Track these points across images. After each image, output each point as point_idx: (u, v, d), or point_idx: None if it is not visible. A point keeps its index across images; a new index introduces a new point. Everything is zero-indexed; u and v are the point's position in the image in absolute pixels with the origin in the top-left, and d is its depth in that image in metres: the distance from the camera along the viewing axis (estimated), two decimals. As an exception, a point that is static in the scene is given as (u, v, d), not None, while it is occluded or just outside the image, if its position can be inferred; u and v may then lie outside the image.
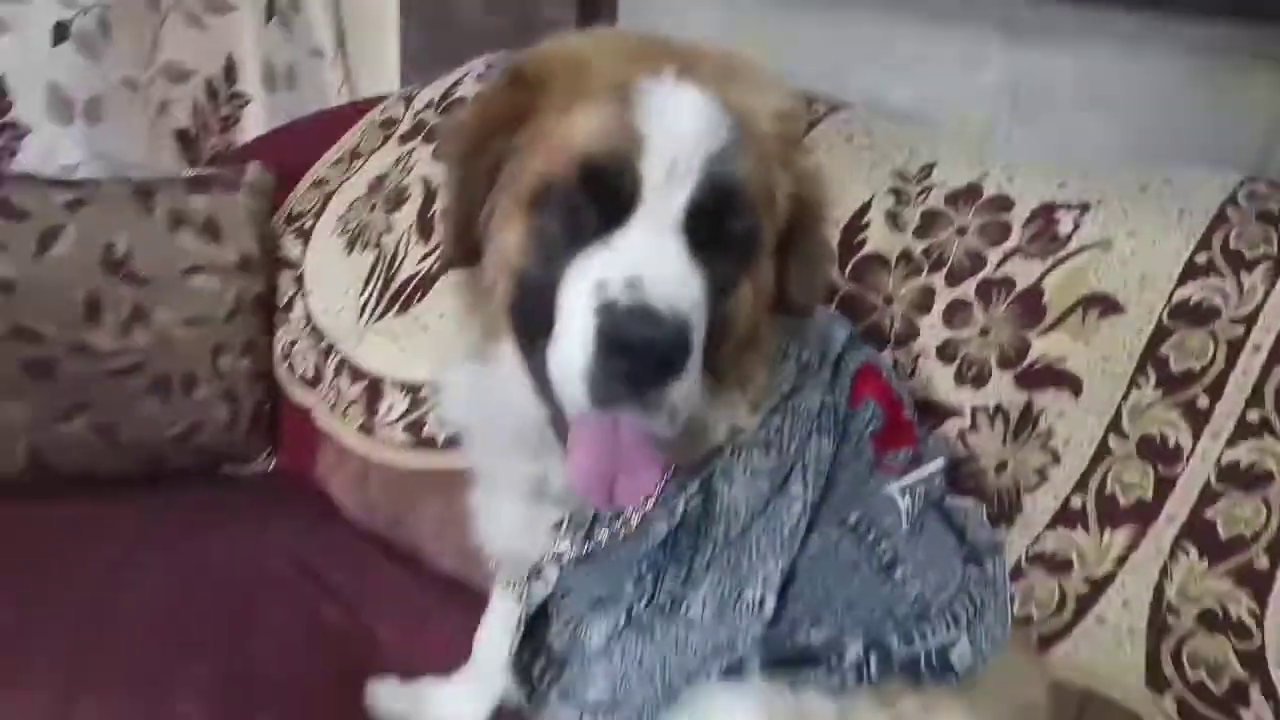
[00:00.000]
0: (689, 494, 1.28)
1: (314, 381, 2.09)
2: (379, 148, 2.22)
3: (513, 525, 1.41)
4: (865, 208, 1.73)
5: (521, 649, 1.42)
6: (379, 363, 1.98)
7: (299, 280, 2.15)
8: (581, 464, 1.16)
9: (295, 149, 2.35)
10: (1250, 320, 1.43)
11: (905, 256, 1.69)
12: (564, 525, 1.30)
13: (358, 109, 2.40)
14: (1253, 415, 1.38)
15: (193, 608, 1.72)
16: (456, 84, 2.20)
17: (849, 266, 1.71)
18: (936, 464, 1.43)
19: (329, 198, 2.20)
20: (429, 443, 1.89)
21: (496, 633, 1.64)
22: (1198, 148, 1.79)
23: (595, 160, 1.12)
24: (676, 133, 1.10)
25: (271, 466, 2.21)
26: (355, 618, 1.83)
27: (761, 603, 1.28)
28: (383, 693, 1.67)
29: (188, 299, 2.00)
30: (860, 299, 1.69)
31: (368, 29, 2.91)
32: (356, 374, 2.00)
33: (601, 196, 1.12)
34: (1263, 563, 1.31)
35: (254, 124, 2.89)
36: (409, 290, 1.99)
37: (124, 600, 1.69)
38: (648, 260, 1.08)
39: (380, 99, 2.42)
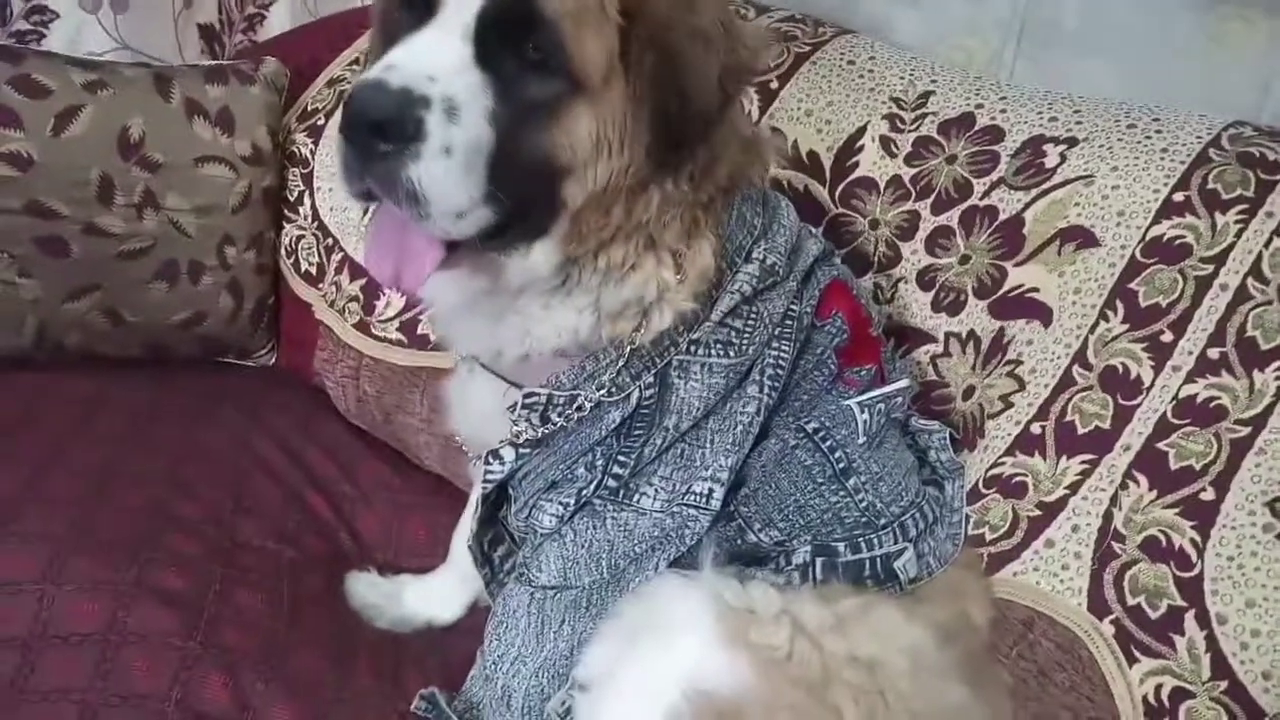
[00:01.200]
0: (643, 383, 1.32)
1: (316, 278, 2.12)
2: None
3: (481, 411, 1.47)
4: (860, 132, 1.74)
5: (481, 532, 1.47)
6: (379, 260, 2.00)
7: (308, 177, 2.16)
8: (370, 252, 1.24)
9: (314, 47, 2.35)
10: (1220, 260, 1.44)
11: (895, 182, 1.69)
12: (519, 406, 1.34)
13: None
14: (1213, 352, 1.39)
15: (186, 486, 1.77)
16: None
17: (839, 189, 1.72)
18: (900, 384, 1.47)
19: (342, 97, 2.20)
20: (421, 341, 1.92)
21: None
22: (1195, 92, 1.77)
23: None
24: None
25: (272, 361, 2.25)
26: (340, 509, 1.89)
27: (710, 495, 1.33)
28: (361, 583, 1.73)
29: (198, 187, 2.02)
30: (848, 222, 1.71)
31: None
32: (357, 271, 2.03)
33: (415, 5, 1.19)
34: (1209, 495, 1.33)
35: (279, 22, 2.89)
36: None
37: (121, 473, 1.75)
38: (414, 51, 1.14)
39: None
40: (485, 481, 1.39)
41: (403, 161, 1.11)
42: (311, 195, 2.15)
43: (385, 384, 1.97)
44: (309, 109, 2.23)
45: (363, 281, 2.01)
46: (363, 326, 2.00)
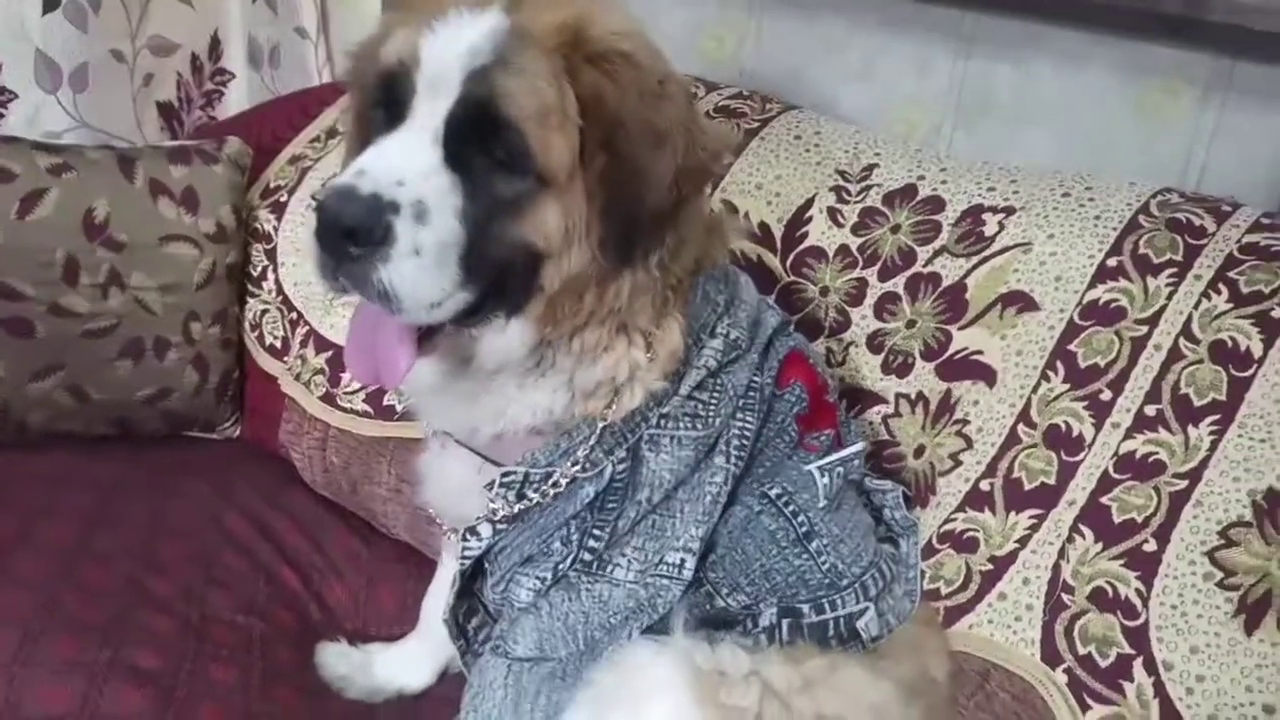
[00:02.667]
0: (616, 459, 1.36)
1: (281, 351, 2.14)
2: (354, 128, 2.27)
3: (458, 486, 1.49)
4: (808, 203, 1.80)
5: (457, 605, 1.49)
6: (344, 335, 2.02)
7: (271, 253, 2.19)
8: (349, 352, 1.31)
9: (275, 125, 2.39)
10: (1153, 321, 1.51)
11: (843, 251, 1.76)
12: (496, 484, 1.37)
13: (337, 89, 2.44)
14: (1150, 409, 1.46)
15: (156, 562, 1.77)
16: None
17: (790, 259, 1.78)
18: (856, 447, 1.51)
19: (304, 174, 2.24)
20: (387, 412, 1.95)
21: (444, 599, 1.71)
22: (1126, 159, 1.87)
23: (383, 72, 1.24)
24: (441, 51, 1.19)
25: (237, 433, 2.25)
26: (310, 580, 1.90)
27: (682, 565, 1.36)
28: (330, 654, 1.74)
29: (164, 266, 2.04)
30: (799, 290, 1.76)
31: (350, 10, 2.94)
32: (322, 344, 2.06)
33: (387, 103, 1.24)
34: (1151, 546, 1.39)
35: (237, 100, 2.92)
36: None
37: (90, 551, 1.75)
38: (384, 155, 1.19)
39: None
40: (463, 559, 1.41)
41: (373, 264, 1.16)
42: (275, 270, 2.18)
43: (352, 454, 1.99)
44: (271, 186, 2.26)
45: (329, 354, 2.03)
46: (329, 398, 2.02)
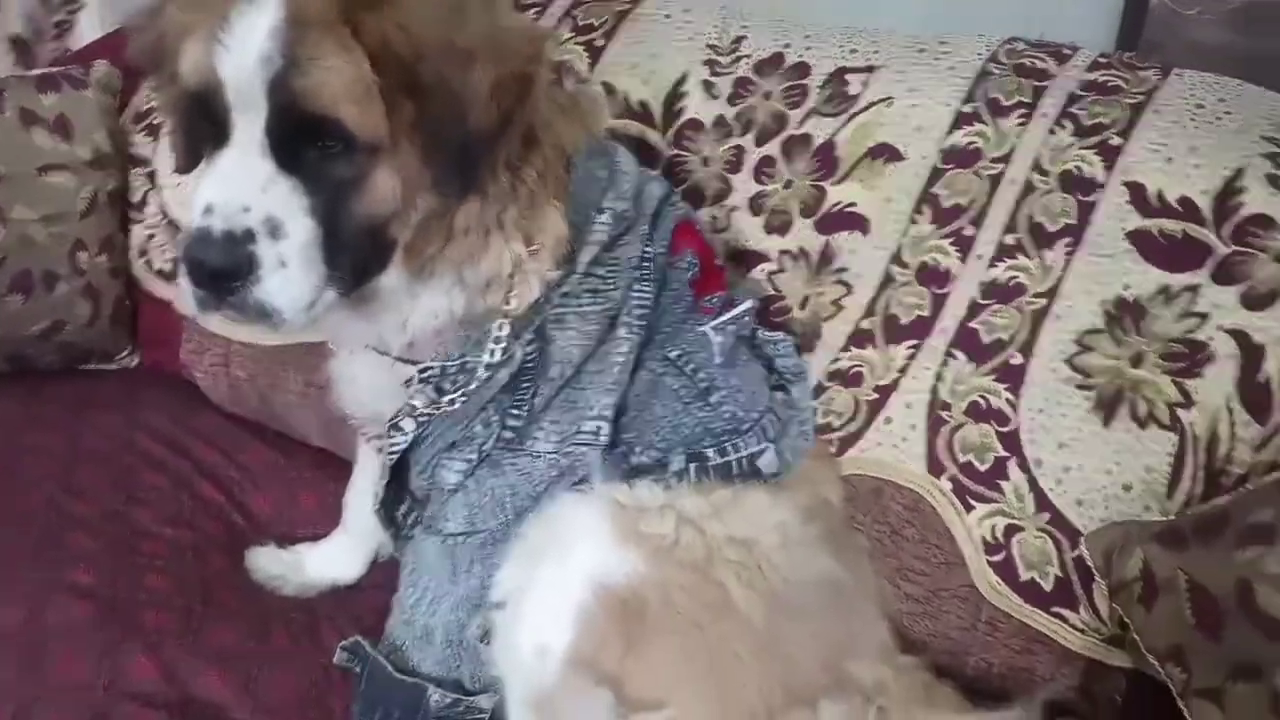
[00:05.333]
0: (523, 342, 1.48)
1: (172, 275, 2.19)
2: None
3: (370, 387, 1.61)
4: (682, 79, 1.92)
5: (386, 495, 1.61)
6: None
7: (151, 176, 2.23)
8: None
9: (135, 49, 2.41)
10: (1006, 160, 1.68)
11: (719, 122, 1.88)
12: (415, 380, 1.49)
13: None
14: (1009, 239, 1.64)
15: (77, 488, 1.86)
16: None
17: (670, 132, 1.90)
18: (745, 305, 1.66)
19: (175, 95, 2.27)
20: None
21: (364, 493, 1.82)
22: (973, 15, 2.02)
23: (192, 95, 1.32)
24: (241, 67, 1.26)
25: (135, 363, 2.32)
26: (230, 492, 2.00)
27: (598, 431, 1.51)
28: (261, 558, 1.85)
29: (44, 196, 2.08)
30: (682, 162, 1.89)
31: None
32: (216, 261, 2.12)
33: (208, 120, 1.31)
34: (1017, 360, 1.58)
35: (89, 27, 2.92)
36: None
37: (7, 482, 1.83)
38: (223, 185, 1.28)
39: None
40: (390, 454, 1.52)
41: (247, 291, 1.27)
42: (158, 193, 2.22)
43: (257, 366, 2.08)
44: (143, 109, 2.29)
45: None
46: (229, 314, 2.09)
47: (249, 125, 1.28)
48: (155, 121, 2.26)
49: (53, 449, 1.93)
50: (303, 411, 2.06)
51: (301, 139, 1.28)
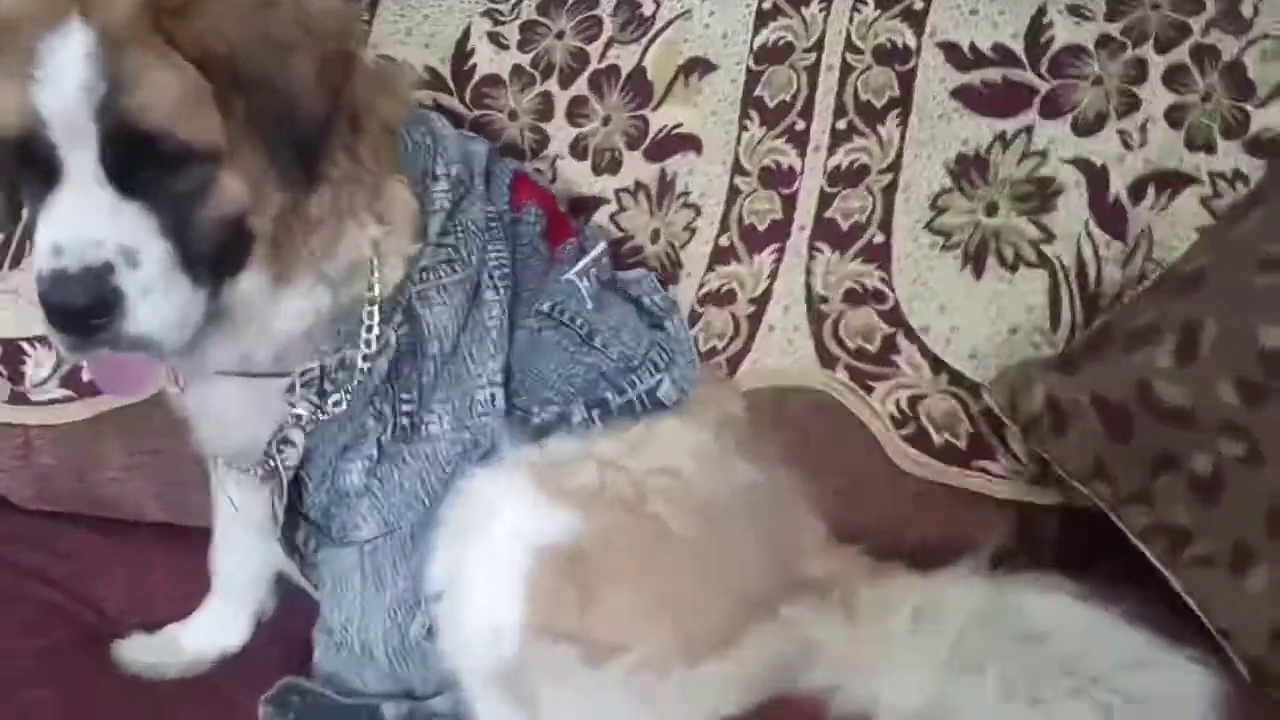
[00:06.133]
0: (395, 324, 1.68)
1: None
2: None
3: (235, 416, 1.75)
4: (465, 35, 2.14)
5: (288, 522, 1.76)
6: (8, 326, 2.20)
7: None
8: (95, 375, 1.66)
9: None
10: (819, 47, 1.99)
11: (517, 72, 2.12)
12: (296, 387, 1.66)
13: None
14: (841, 124, 1.95)
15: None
16: None
17: (467, 93, 2.12)
18: (600, 248, 1.90)
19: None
20: (93, 387, 2.14)
21: (231, 550, 1.99)
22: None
23: (11, 143, 1.45)
24: (63, 100, 1.40)
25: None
26: (71, 590, 2.08)
27: (492, 399, 1.72)
28: (130, 649, 1.94)
29: None
30: (487, 121, 2.11)
31: None
32: (-11, 341, 2.22)
33: (33, 164, 1.46)
34: (880, 238, 1.90)
35: None
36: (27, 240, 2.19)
37: None
38: (67, 223, 1.42)
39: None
40: (286, 469, 1.68)
41: (116, 325, 1.41)
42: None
43: (67, 447, 2.18)
44: None
45: (-1, 350, 2.21)
46: (18, 399, 2.19)
47: (81, 157, 1.41)
48: None
49: None
50: (132, 484, 2.18)
51: (139, 160, 1.43)
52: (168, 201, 1.45)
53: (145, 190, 1.44)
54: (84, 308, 1.40)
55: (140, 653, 1.94)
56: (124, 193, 1.43)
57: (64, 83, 1.39)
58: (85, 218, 1.42)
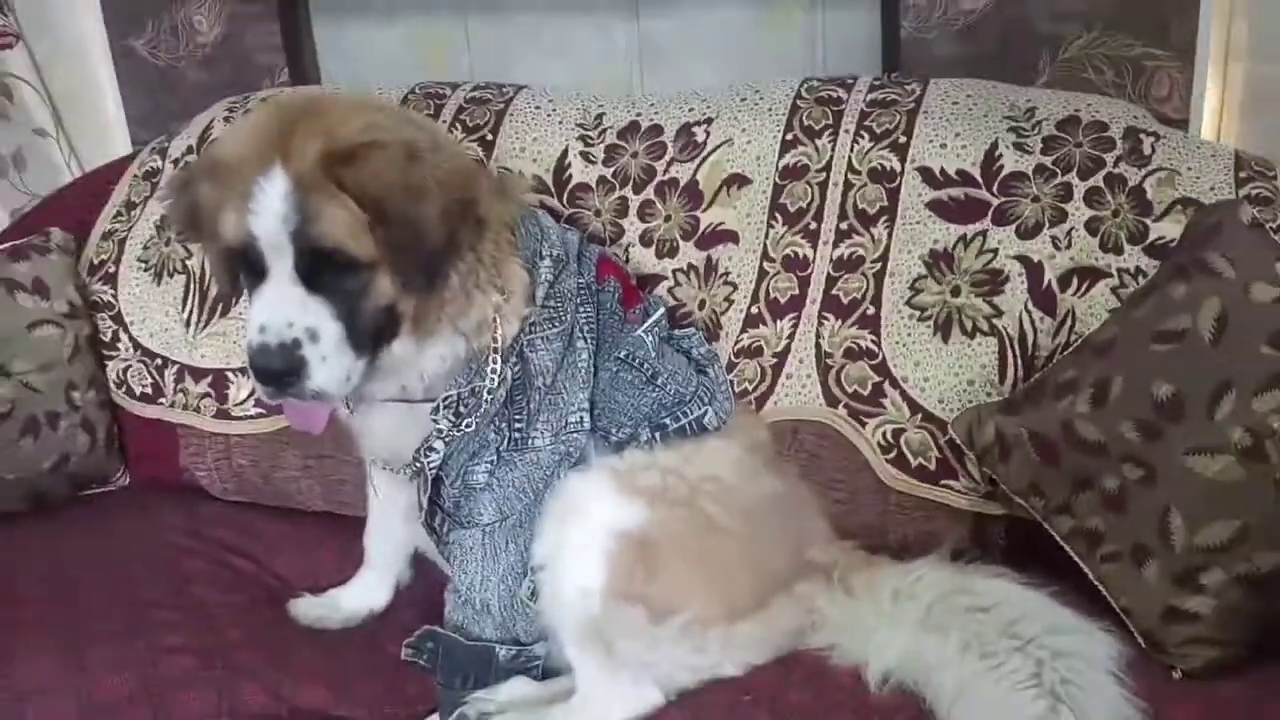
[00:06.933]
0: (511, 364, 1.81)
1: (154, 396, 2.41)
2: (151, 195, 2.54)
3: (391, 429, 1.89)
4: (565, 153, 2.28)
5: (430, 511, 1.88)
6: (218, 359, 2.35)
7: (117, 317, 2.44)
8: (290, 417, 1.85)
9: (69, 213, 2.60)
10: (828, 169, 2.11)
11: (601, 181, 2.26)
12: (440, 407, 1.79)
13: (113, 170, 2.68)
14: (843, 225, 2.07)
15: (137, 580, 2.05)
16: (207, 129, 2.55)
17: (564, 196, 2.27)
18: (659, 312, 2.02)
19: (122, 245, 2.50)
20: (277, 407, 2.24)
21: (380, 532, 2.12)
22: (770, 68, 2.48)
23: (234, 250, 1.67)
24: (269, 226, 1.61)
25: (127, 481, 2.49)
26: (259, 561, 2.21)
27: (581, 421, 1.85)
28: (301, 606, 2.07)
29: (36, 349, 2.29)
30: (578, 217, 2.25)
31: (85, 102, 3.14)
32: (198, 374, 2.36)
33: (247, 266, 1.68)
34: (871, 311, 2.01)
35: (-1, 207, 3.09)
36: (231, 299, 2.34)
37: (77, 587, 2.01)
38: (270, 309, 1.65)
39: (128, 158, 2.73)
40: (430, 469, 1.81)
41: (302, 383, 1.62)
42: (126, 330, 2.44)
43: (257, 452, 2.32)
44: (95, 263, 2.51)
45: (208, 379, 2.34)
46: (222, 414, 2.33)
47: (281, 265, 1.62)
48: (110, 270, 2.48)
49: (101, 555, 2.11)
50: (305, 483, 2.32)
51: (320, 268, 1.63)
52: (340, 296, 1.64)
53: (324, 288, 1.63)
54: (279, 371, 1.61)
55: (307, 608, 2.07)
56: (309, 289, 1.63)
57: (270, 214, 1.60)
58: (283, 306, 1.62)
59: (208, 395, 2.35)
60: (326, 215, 1.60)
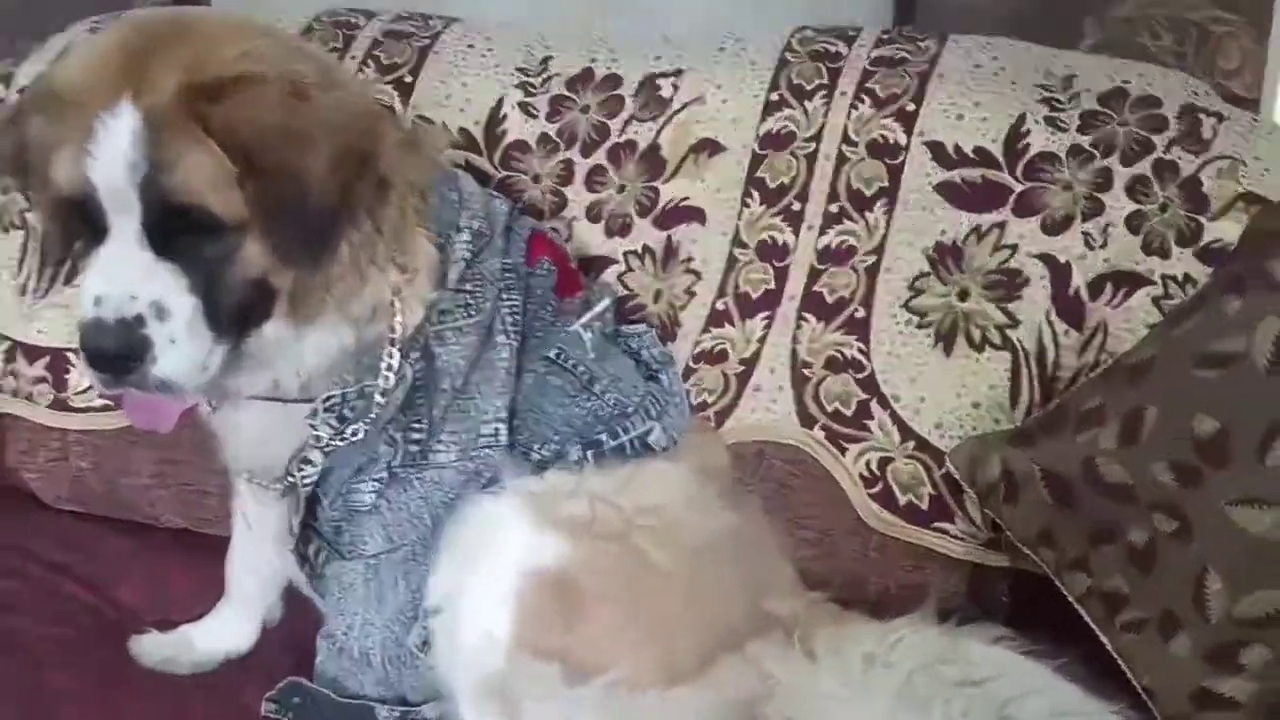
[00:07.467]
0: (412, 360, 1.77)
1: (-24, 384, 2.37)
2: (-12, 130, 2.49)
3: (260, 432, 1.85)
4: (499, 103, 2.26)
5: (303, 535, 1.84)
6: (59, 336, 2.29)
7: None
8: (128, 411, 1.79)
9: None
10: (818, 138, 2.09)
11: (543, 139, 2.23)
12: (319, 411, 1.75)
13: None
14: (833, 208, 2.05)
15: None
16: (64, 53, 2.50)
17: (496, 155, 2.24)
18: (604, 303, 2.00)
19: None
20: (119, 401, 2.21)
21: (244, 560, 2.08)
22: (759, 15, 2.46)
23: (67, 200, 1.60)
24: (112, 174, 1.54)
25: (-64, 479, 2.45)
26: (96, 587, 2.15)
27: (496, 434, 1.81)
28: (146, 644, 2.02)
29: None
30: (512, 182, 2.22)
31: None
32: (34, 353, 2.31)
33: (84, 221, 1.61)
34: (861, 313, 1.99)
35: None
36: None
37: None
38: (108, 277, 1.58)
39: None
40: (304, 486, 1.77)
41: (144, 369, 1.56)
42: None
43: (101, 452, 2.27)
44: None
45: (46, 359, 2.29)
46: (60, 404, 2.29)
47: (125, 222, 1.56)
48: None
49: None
50: (157, 492, 2.27)
51: (174, 228, 1.57)
52: (197, 264, 1.58)
53: (178, 253, 1.57)
54: (115, 353, 1.55)
55: (155, 648, 2.02)
56: (160, 254, 1.56)
57: (113, 160, 1.53)
58: (124, 273, 1.56)
59: (43, 380, 2.30)
60: (185, 163, 1.54)
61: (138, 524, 2.32)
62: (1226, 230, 1.89)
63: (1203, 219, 1.92)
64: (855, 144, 2.08)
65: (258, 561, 2.06)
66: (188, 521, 2.30)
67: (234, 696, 1.91)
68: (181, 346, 1.57)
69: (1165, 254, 1.92)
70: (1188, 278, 1.89)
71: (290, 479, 1.79)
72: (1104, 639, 1.72)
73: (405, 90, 2.30)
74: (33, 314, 2.32)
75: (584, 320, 1.93)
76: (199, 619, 2.09)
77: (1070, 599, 1.76)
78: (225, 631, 2.07)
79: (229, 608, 2.09)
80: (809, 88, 2.14)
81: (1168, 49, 2.28)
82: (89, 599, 2.13)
